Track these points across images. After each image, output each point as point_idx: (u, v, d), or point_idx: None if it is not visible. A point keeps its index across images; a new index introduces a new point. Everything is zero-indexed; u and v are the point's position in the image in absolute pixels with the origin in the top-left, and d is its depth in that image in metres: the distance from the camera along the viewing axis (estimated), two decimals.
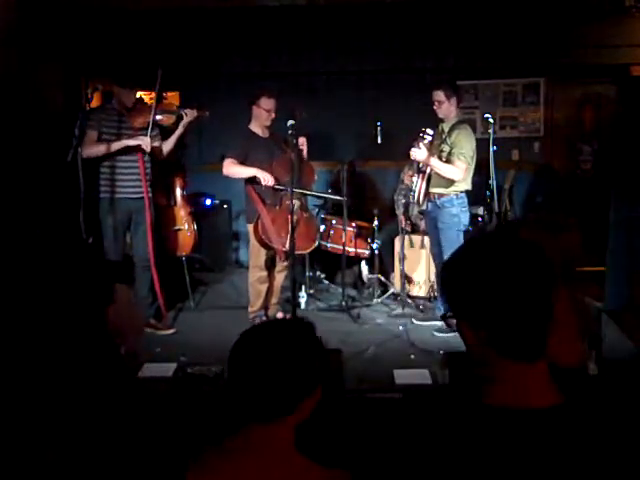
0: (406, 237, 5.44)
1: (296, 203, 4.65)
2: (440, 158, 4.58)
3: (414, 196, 4.76)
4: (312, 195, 5.18)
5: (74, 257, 1.47)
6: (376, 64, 6.33)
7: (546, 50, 6.10)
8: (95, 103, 4.93)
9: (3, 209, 4.58)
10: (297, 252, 4.66)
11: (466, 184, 4.61)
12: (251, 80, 6.03)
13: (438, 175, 4.60)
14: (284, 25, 6.20)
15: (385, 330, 4.81)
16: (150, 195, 4.67)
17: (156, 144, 4.66)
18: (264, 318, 4.87)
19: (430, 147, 4.59)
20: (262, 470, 1.36)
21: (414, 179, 4.73)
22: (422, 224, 5.60)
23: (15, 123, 4.87)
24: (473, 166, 4.60)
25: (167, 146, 4.79)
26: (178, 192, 5.49)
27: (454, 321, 1.22)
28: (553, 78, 6.51)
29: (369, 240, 5.53)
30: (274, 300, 5.03)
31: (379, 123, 5.31)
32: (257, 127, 4.81)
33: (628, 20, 5.84)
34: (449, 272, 1.22)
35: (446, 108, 4.63)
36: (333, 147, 6.42)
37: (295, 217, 4.63)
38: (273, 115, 4.75)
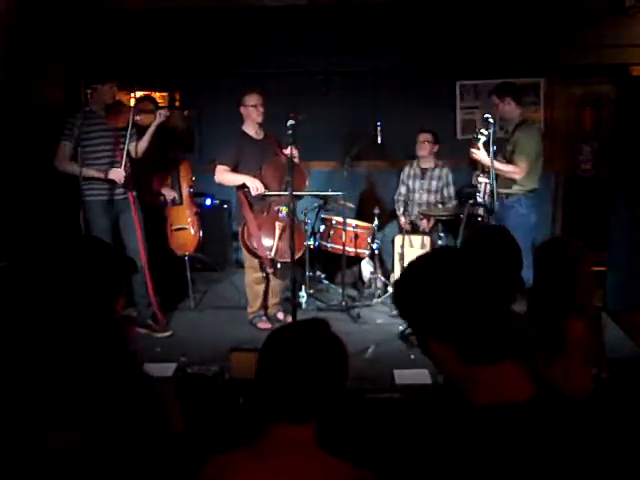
0: (406, 237, 5.44)
1: (284, 209, 4.61)
2: (504, 157, 4.62)
3: (480, 195, 4.74)
4: (309, 195, 5.17)
5: (83, 252, 1.47)
6: (376, 64, 6.33)
7: (546, 50, 6.10)
8: None
9: (3, 209, 4.58)
10: (283, 260, 4.64)
11: (533, 183, 4.66)
12: (251, 80, 6.02)
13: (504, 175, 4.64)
14: (284, 25, 6.19)
15: (385, 330, 4.81)
16: (135, 194, 4.64)
17: (132, 148, 4.65)
18: (264, 318, 4.87)
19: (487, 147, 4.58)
20: (289, 468, 1.41)
21: (480, 179, 4.70)
22: (422, 224, 5.61)
23: (15, 123, 4.87)
24: (538, 165, 4.64)
25: (141, 145, 4.72)
26: (185, 191, 5.47)
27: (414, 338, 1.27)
28: (553, 78, 6.50)
29: (369, 240, 5.53)
30: (274, 300, 5.02)
31: (379, 123, 5.30)
32: (250, 128, 4.77)
33: (628, 20, 5.83)
34: (407, 292, 1.26)
35: (503, 110, 4.70)
36: (333, 147, 6.41)
37: (283, 224, 4.60)
38: (261, 109, 4.68)
